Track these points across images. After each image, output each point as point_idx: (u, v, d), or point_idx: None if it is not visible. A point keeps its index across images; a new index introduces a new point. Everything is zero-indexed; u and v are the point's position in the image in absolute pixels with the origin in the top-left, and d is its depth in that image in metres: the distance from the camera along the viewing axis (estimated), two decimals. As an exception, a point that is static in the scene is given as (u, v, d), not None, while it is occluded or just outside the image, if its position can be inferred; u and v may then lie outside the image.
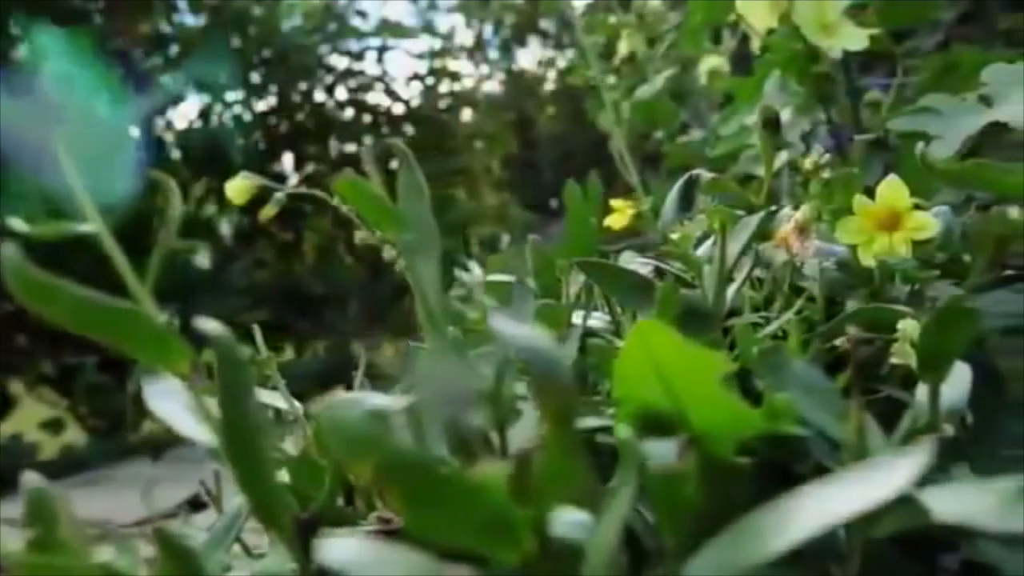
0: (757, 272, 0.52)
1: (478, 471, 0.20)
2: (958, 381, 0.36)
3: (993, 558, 0.28)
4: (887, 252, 0.47)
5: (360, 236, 0.48)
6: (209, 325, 0.24)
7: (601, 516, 0.22)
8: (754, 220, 0.44)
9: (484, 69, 4.09)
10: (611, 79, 1.28)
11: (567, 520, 0.22)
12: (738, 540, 0.24)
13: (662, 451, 0.24)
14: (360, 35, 3.49)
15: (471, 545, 0.21)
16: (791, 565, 0.26)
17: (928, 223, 0.47)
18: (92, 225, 0.26)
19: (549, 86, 4.09)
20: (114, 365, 2.64)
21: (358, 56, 3.51)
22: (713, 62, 1.16)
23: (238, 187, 0.54)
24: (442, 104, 3.73)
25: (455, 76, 3.79)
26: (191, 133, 3.11)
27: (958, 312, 0.33)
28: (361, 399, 0.26)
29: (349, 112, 3.51)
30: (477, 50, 4.02)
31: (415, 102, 3.61)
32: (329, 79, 3.45)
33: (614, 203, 0.65)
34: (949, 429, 0.35)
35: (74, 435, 2.80)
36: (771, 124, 0.57)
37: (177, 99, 3.12)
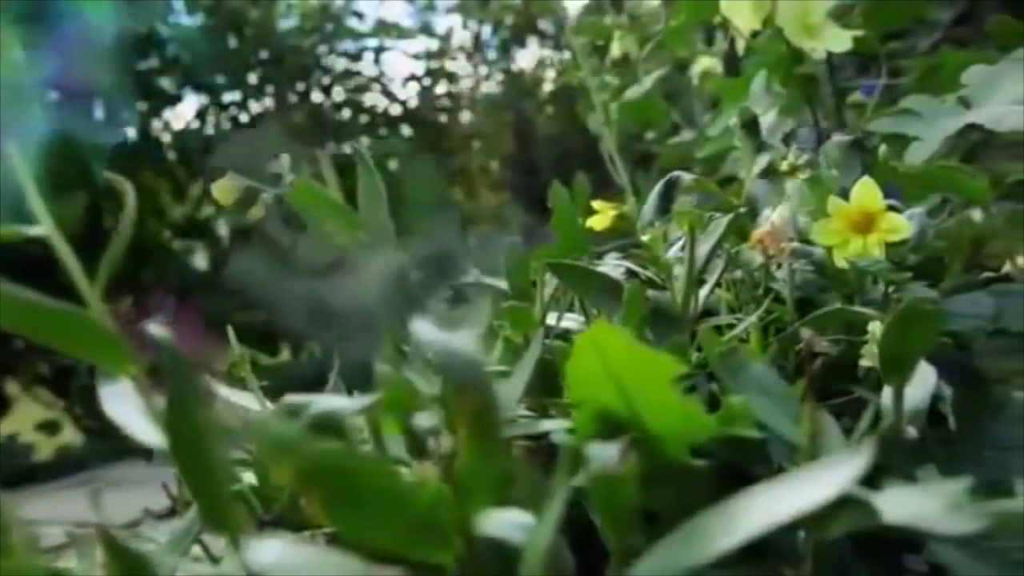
0: (737, 273, 0.52)
1: (405, 474, 0.20)
2: (922, 382, 0.36)
3: (946, 559, 0.28)
4: (861, 254, 0.47)
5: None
6: (155, 328, 0.24)
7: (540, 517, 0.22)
8: (724, 222, 0.44)
9: (482, 70, 4.09)
10: (606, 79, 1.28)
11: (502, 521, 0.22)
12: (685, 540, 0.24)
13: (605, 453, 0.24)
14: (357, 36, 3.49)
15: (399, 547, 0.21)
16: (742, 565, 0.26)
17: (902, 225, 0.47)
18: (43, 227, 0.26)
19: (547, 87, 4.08)
20: (110, 366, 2.63)
21: (355, 57, 3.50)
22: (706, 63, 1.17)
23: (224, 187, 0.54)
24: (440, 105, 3.73)
25: (452, 77, 3.79)
26: (188, 134, 3.11)
27: (919, 313, 0.33)
28: (314, 401, 0.26)
29: (346, 113, 3.51)
30: (475, 51, 4.02)
31: (412, 103, 3.61)
32: (326, 80, 3.45)
33: (596, 204, 0.65)
34: (912, 430, 0.35)
35: (70, 436, 2.80)
36: (750, 126, 0.57)
37: (174, 99, 3.12)
